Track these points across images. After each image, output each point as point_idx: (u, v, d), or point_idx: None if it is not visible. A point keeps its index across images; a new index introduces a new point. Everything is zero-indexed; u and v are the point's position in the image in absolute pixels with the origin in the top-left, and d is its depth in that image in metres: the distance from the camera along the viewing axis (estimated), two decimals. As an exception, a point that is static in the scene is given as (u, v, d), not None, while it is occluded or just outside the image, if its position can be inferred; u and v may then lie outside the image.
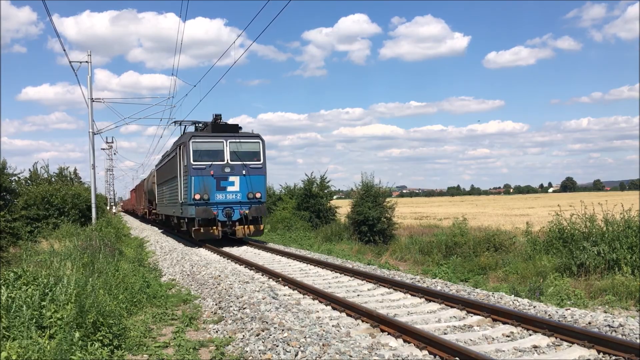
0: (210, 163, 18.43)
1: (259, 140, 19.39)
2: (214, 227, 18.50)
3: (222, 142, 18.80)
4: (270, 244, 19.96)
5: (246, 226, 18.81)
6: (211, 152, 18.69)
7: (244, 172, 18.68)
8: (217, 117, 19.96)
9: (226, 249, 18.20)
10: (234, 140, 18.90)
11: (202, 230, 18.40)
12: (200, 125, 21.41)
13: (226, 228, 18.70)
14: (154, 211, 33.83)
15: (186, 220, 19.69)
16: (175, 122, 23.06)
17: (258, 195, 18.84)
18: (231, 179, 18.55)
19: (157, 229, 34.63)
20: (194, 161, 18.34)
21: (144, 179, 42.02)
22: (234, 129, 19.62)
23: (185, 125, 22.89)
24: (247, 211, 18.59)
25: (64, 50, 21.46)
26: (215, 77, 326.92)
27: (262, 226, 19.36)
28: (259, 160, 19.17)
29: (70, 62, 22.79)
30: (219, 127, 19.55)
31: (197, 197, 18.09)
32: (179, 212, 20.46)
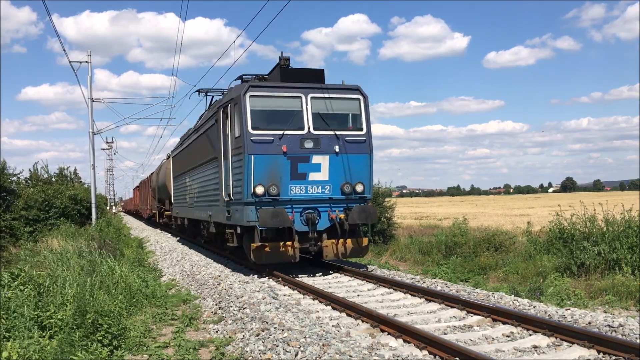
0: (280, 132, 11.18)
1: (359, 96, 12.11)
2: (288, 243, 11.37)
3: (300, 97, 11.54)
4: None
5: (340, 241, 11.67)
6: (281, 115, 11.56)
7: (336, 148, 11.50)
8: (285, 60, 12.28)
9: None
10: (319, 95, 11.69)
11: (268, 249, 11.26)
12: (250, 76, 12.99)
13: (306, 244, 11.48)
14: (167, 213, 26.43)
15: (238, 230, 12.04)
16: (199, 91, 16.16)
17: (360, 188, 11.65)
18: (316, 159, 11.39)
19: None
20: (253, 129, 11.12)
21: (152, 173, 34.85)
22: (317, 77, 12.14)
23: (212, 96, 15.98)
24: (341, 215, 11.51)
25: (64, 50, 21.50)
26: (215, 77, 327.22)
27: (365, 241, 12.12)
28: (361, 130, 11.94)
29: (70, 62, 22.83)
30: (291, 74, 11.99)
31: (260, 190, 10.98)
32: (221, 217, 13.01)
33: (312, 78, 12.05)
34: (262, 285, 10.55)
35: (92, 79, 24.64)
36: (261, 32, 12.80)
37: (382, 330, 7.10)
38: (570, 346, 6.17)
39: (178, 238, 25.05)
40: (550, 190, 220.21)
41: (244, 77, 12.93)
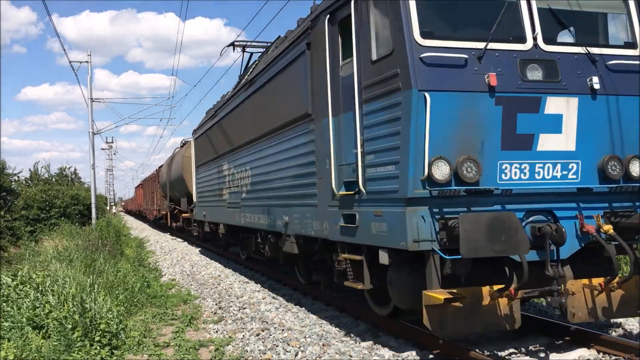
0: (479, 46, 5.11)
1: None
2: (504, 291, 4.96)
3: None
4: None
5: (610, 285, 5.27)
6: (477, 9, 5.45)
7: (594, 82, 5.31)
8: None
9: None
10: None
11: (459, 303, 4.91)
12: None
13: (536, 290, 5.19)
14: (184, 215, 21.53)
15: (384, 259, 5.53)
16: (233, 45, 12.35)
17: (636, 166, 5.45)
18: (552, 105, 5.23)
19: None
20: (423, 36, 5.00)
21: (159, 168, 29.33)
22: None
23: (251, 54, 12.04)
24: (607, 226, 5.22)
25: (64, 50, 21.59)
26: (215, 77, 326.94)
27: None
28: (634, 46, 5.68)
29: (70, 62, 22.90)
30: None
31: (441, 173, 4.94)
32: (322, 226, 6.73)
33: None
34: (262, 284, 10.30)
35: (92, 79, 24.71)
36: (261, 31, 12.61)
37: (383, 330, 7.08)
38: (570, 346, 6.16)
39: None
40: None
41: None
